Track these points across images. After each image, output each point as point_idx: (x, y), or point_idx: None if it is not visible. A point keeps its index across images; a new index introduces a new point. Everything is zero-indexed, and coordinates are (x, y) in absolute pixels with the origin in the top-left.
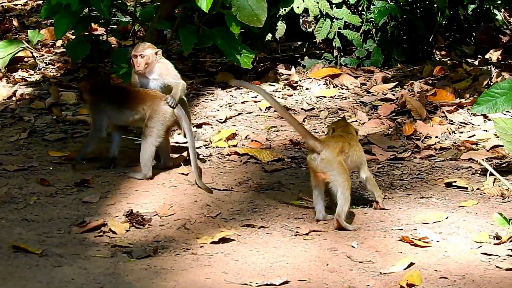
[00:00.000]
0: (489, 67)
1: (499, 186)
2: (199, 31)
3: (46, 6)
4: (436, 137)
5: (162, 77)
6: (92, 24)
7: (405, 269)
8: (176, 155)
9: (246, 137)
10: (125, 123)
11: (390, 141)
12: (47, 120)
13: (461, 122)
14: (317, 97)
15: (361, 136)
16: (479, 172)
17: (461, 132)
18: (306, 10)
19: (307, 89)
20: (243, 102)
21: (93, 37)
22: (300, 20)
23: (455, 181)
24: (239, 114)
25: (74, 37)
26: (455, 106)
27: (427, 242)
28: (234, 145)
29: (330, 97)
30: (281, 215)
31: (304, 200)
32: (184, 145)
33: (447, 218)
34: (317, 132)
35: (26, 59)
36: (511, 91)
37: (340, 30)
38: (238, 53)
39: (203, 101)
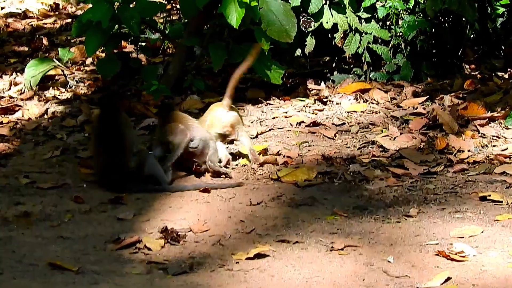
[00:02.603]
0: None
1: None
2: (228, 47)
3: (77, 24)
4: (469, 150)
5: None
6: (122, 42)
7: (442, 283)
8: None
9: (277, 152)
10: None
11: (422, 155)
12: (79, 138)
13: (494, 136)
14: (347, 112)
15: (393, 151)
16: None
17: (494, 146)
18: (335, 25)
19: (337, 104)
20: (273, 118)
21: (123, 55)
22: (300, 21)
23: (490, 195)
24: (270, 129)
25: (104, 54)
26: (487, 119)
27: (463, 257)
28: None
29: (361, 112)
30: (315, 230)
31: (339, 215)
32: None
33: (482, 232)
34: (348, 147)
35: (57, 77)
36: None
37: (369, 45)
38: (268, 69)
39: None
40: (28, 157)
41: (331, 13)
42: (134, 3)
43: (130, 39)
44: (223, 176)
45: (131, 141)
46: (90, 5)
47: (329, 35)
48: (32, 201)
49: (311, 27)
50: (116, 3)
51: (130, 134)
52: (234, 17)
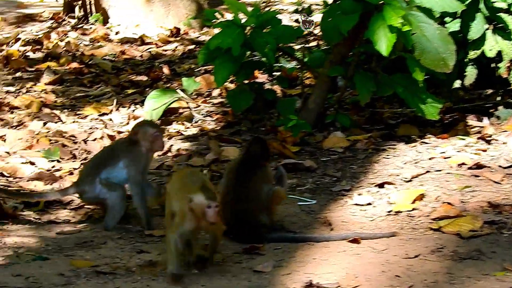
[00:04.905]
0: None
1: None
2: (377, 78)
3: (204, 50)
4: None
5: None
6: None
7: None
8: None
9: (436, 198)
10: None
11: None
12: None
13: None
14: None
15: None
16: None
17: None
18: (499, 53)
19: (503, 143)
20: (430, 159)
21: (256, 86)
22: (300, 20)
23: None
24: (426, 172)
25: (232, 85)
26: None
27: None
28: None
29: None
30: None
31: (510, 271)
32: None
33: None
34: None
35: (181, 111)
36: None
37: None
38: (423, 103)
39: (384, 158)
40: (151, 199)
41: (495, 39)
42: (269, 27)
43: (264, 68)
44: None
45: (266, 197)
46: (217, 30)
47: (493, 65)
48: (157, 249)
49: (311, 27)
50: (247, 27)
51: (267, 189)
52: (384, 43)
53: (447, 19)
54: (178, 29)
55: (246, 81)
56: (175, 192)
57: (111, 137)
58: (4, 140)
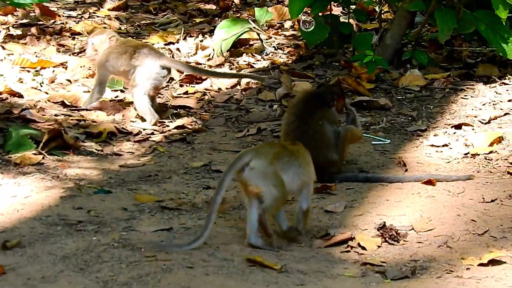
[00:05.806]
0: None
1: None
2: (458, 14)
3: None
4: None
5: None
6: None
7: None
8: None
9: None
10: None
11: None
12: (278, 114)
13: None
14: None
15: None
16: None
17: None
18: None
19: None
20: (509, 100)
21: (331, 18)
22: (300, 21)
23: None
24: (505, 114)
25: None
26: None
27: None
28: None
29: None
30: None
31: None
32: None
33: None
34: None
35: (251, 42)
36: None
37: None
38: (504, 42)
39: (461, 98)
40: (218, 134)
41: None
42: None
43: (340, 1)
44: None
45: (333, 136)
46: None
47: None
48: None
49: (311, 27)
50: None
51: (332, 129)
52: None
53: None
54: None
55: (320, 14)
56: (306, 164)
57: None
58: (66, 68)
